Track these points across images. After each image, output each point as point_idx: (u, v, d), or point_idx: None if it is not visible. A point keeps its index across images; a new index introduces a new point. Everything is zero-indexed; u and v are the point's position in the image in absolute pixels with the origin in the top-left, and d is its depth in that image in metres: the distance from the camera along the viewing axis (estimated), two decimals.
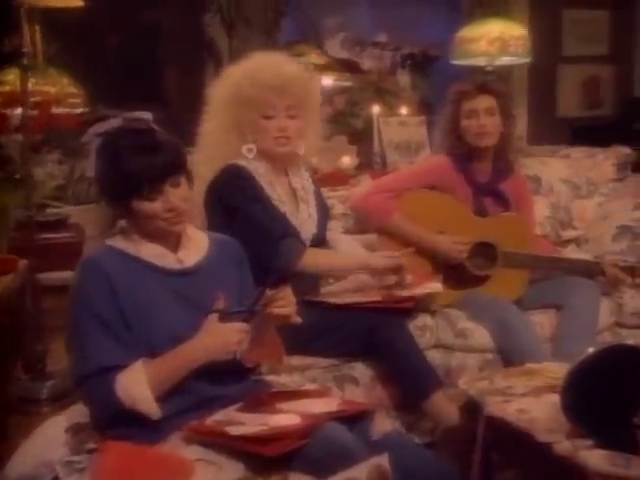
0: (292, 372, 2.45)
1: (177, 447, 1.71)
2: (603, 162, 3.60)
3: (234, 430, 1.67)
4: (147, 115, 1.90)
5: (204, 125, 2.61)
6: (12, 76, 3.27)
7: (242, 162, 2.56)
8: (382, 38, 5.66)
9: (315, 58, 4.17)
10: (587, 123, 5.69)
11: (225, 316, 1.78)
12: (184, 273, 1.87)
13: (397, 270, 2.59)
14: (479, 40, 4.37)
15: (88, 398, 1.79)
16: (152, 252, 1.85)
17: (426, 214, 2.91)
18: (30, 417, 2.68)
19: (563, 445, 1.69)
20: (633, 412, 1.68)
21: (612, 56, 5.93)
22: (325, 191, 2.90)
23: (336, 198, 3.12)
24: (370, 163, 3.94)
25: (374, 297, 2.53)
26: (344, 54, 5.58)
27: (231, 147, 2.58)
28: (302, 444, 1.65)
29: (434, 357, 2.69)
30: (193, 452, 1.69)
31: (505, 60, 4.49)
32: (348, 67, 5.04)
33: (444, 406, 2.40)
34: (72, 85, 3.49)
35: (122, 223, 1.89)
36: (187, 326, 1.78)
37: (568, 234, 3.45)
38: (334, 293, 2.63)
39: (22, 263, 2.81)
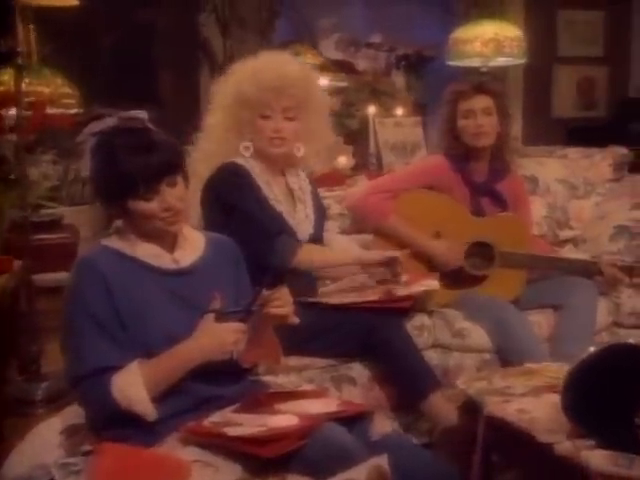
0: (289, 372, 2.44)
1: (174, 448, 1.70)
2: (600, 162, 3.59)
3: (232, 431, 1.65)
4: (143, 114, 1.87)
5: (206, 121, 2.61)
6: (6, 76, 3.26)
7: (239, 160, 2.55)
8: (376, 39, 5.68)
9: (310, 58, 4.16)
10: (582, 124, 5.70)
11: (221, 316, 1.77)
12: (180, 273, 1.85)
13: (391, 264, 2.57)
14: (474, 41, 4.38)
15: (83, 399, 1.77)
16: (148, 252, 1.83)
17: (423, 214, 2.90)
18: (25, 419, 2.66)
19: (564, 445, 1.68)
20: (635, 411, 1.66)
21: (607, 57, 5.95)
22: (321, 191, 2.89)
23: (332, 198, 3.11)
24: (366, 164, 3.94)
25: (371, 297, 2.51)
26: (338, 55, 5.58)
27: (230, 145, 2.57)
28: (300, 445, 1.63)
29: (432, 357, 2.68)
30: (190, 453, 1.67)
31: (500, 61, 4.50)
32: (343, 68, 5.04)
33: (442, 406, 2.38)
34: (66, 85, 3.49)
35: (118, 223, 1.87)
36: (183, 326, 1.77)
37: (565, 234, 3.44)
38: (331, 293, 2.62)
39: (17, 264, 2.80)
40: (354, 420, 1.80)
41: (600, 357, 1.75)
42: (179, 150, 1.87)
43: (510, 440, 1.86)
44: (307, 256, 2.49)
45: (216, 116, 2.59)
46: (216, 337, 1.75)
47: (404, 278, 2.61)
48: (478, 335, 2.77)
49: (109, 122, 1.86)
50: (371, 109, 3.96)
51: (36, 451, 1.79)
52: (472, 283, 2.89)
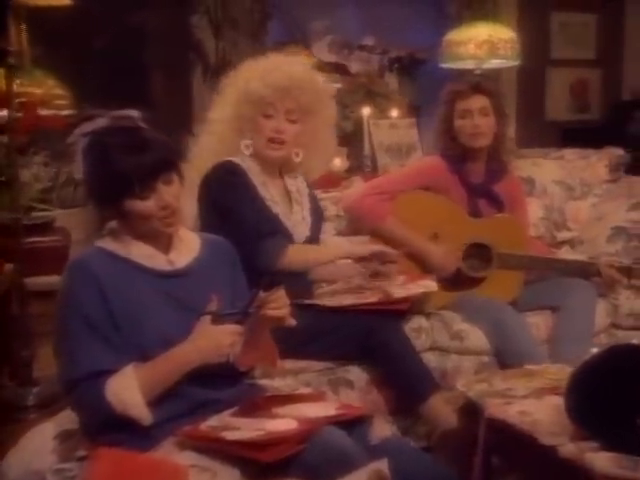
0: (286, 376, 2.41)
1: (170, 453, 1.67)
2: (596, 163, 3.58)
3: (230, 435, 1.64)
4: (134, 113, 1.85)
5: (208, 114, 2.60)
6: None
7: (237, 159, 2.53)
8: (369, 41, 5.65)
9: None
10: (576, 126, 5.70)
11: (218, 318, 1.75)
12: (175, 275, 1.83)
13: (380, 256, 2.56)
14: (467, 43, 4.37)
15: (77, 404, 1.75)
16: (142, 253, 1.81)
17: (420, 215, 2.89)
18: (17, 424, 2.63)
19: (568, 448, 1.66)
20: (639, 413, 1.64)
21: (600, 59, 5.95)
22: (317, 193, 2.86)
23: (328, 200, 3.09)
24: (360, 166, 3.92)
25: (369, 299, 2.49)
26: (331, 57, 5.55)
27: (230, 142, 2.56)
28: (300, 449, 1.62)
29: (429, 359, 2.66)
30: (187, 458, 1.65)
31: (494, 63, 4.48)
32: (336, 70, 5.02)
33: (441, 409, 2.36)
34: (58, 87, 3.46)
35: (112, 224, 1.84)
36: (179, 329, 1.74)
37: (562, 235, 3.43)
38: (328, 295, 2.59)
39: (8, 267, 2.77)
40: (353, 424, 1.77)
41: (603, 358, 1.73)
42: (173, 147, 1.85)
43: (512, 443, 1.85)
44: (296, 256, 2.47)
45: (220, 111, 2.58)
46: (212, 339, 1.73)
47: (401, 278, 2.59)
48: (476, 337, 2.75)
49: (100, 122, 1.85)
50: (365, 111, 3.94)
51: (29, 457, 1.77)
52: (470, 285, 2.88)
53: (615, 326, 3.01)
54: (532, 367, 2.18)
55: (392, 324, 2.46)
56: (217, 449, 1.63)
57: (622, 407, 1.66)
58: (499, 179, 3.02)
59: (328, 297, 2.57)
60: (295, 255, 2.46)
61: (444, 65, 4.52)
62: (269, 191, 2.54)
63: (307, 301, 2.46)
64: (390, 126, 3.94)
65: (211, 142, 2.59)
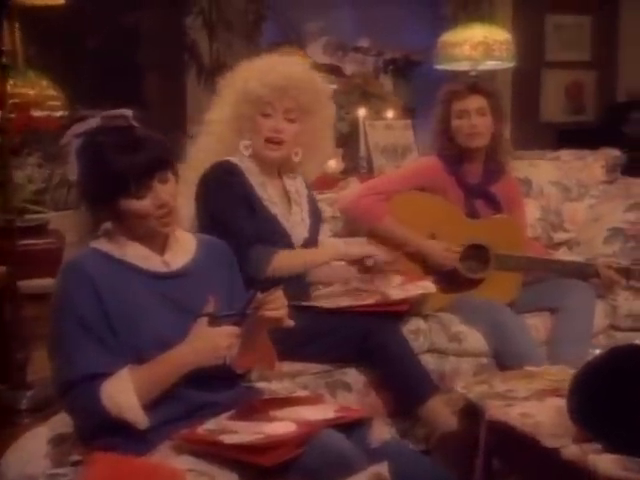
0: (282, 378, 2.39)
1: (167, 457, 1.65)
2: (593, 164, 3.58)
3: (228, 439, 1.61)
4: (127, 112, 1.83)
5: (207, 115, 2.58)
6: None
7: (235, 159, 2.52)
8: (364, 43, 5.64)
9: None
10: (571, 128, 5.70)
11: (215, 320, 1.73)
12: (171, 276, 1.81)
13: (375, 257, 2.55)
14: (463, 44, 4.35)
15: (72, 407, 1.73)
16: (138, 254, 1.79)
17: (418, 216, 2.87)
18: (10, 428, 2.61)
19: (571, 450, 1.64)
20: None
21: (595, 61, 5.95)
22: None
23: (324, 201, 3.06)
24: (356, 167, 3.90)
25: (366, 300, 2.47)
26: (326, 59, 5.54)
27: (229, 142, 2.54)
28: (299, 453, 1.60)
29: (428, 362, 2.64)
30: (184, 462, 1.63)
31: (489, 65, 4.47)
32: (331, 72, 5.00)
33: (440, 411, 2.35)
34: (51, 88, 3.45)
35: (107, 225, 1.82)
36: (175, 330, 1.73)
37: (560, 237, 3.42)
38: (326, 297, 2.57)
39: (1, 270, 2.75)
40: (352, 427, 1.76)
41: (606, 359, 1.72)
42: (168, 146, 1.83)
43: (513, 445, 1.83)
44: (284, 263, 2.43)
45: (218, 112, 2.56)
46: (209, 341, 1.71)
47: (399, 280, 2.58)
48: (475, 339, 2.74)
49: (93, 122, 1.84)
50: (361, 112, 3.92)
51: (22, 462, 1.74)
52: (468, 286, 2.86)
53: (614, 327, 3.00)
54: (532, 369, 2.17)
55: (390, 326, 2.44)
56: (215, 453, 1.61)
57: (625, 408, 1.64)
58: (496, 180, 3.01)
59: (325, 299, 2.55)
60: (282, 262, 2.43)
61: (439, 67, 4.51)
62: (267, 192, 2.52)
63: (304, 303, 2.44)
64: (386, 127, 3.93)
65: (210, 142, 2.58)
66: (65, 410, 1.76)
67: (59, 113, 3.33)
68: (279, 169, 2.60)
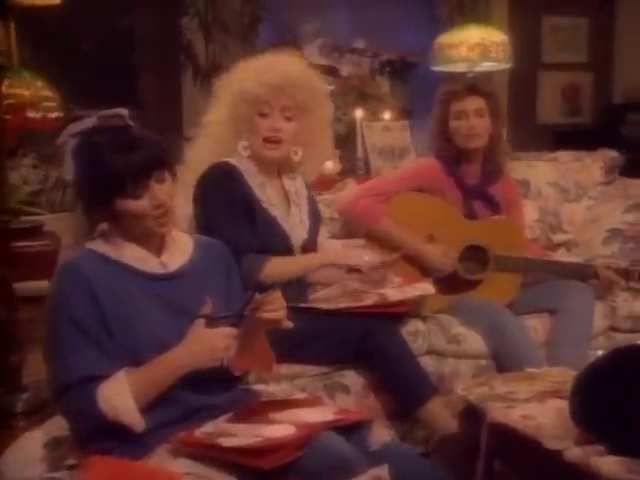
0: (280, 381, 2.38)
1: (164, 461, 1.64)
2: (591, 165, 3.57)
3: (226, 442, 1.60)
4: (123, 111, 1.81)
5: (204, 118, 2.56)
6: None
7: (233, 161, 2.50)
8: (360, 44, 5.63)
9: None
10: (567, 129, 5.69)
11: (212, 321, 1.71)
12: (168, 277, 1.80)
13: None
14: (459, 46, 4.34)
15: (68, 410, 1.71)
16: (134, 256, 1.77)
17: (416, 217, 2.86)
18: (5, 432, 2.57)
19: (573, 452, 1.63)
20: None
21: (591, 63, 5.95)
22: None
23: (321, 202, 3.03)
24: (353, 168, 3.88)
25: (365, 302, 2.45)
26: (322, 60, 5.52)
27: (228, 144, 2.52)
28: (298, 456, 1.58)
29: (426, 363, 2.62)
30: (181, 466, 1.61)
31: (486, 66, 4.46)
32: (327, 73, 4.99)
33: (440, 414, 2.33)
34: (47, 89, 3.43)
35: (103, 226, 1.81)
36: (172, 332, 1.71)
37: (558, 238, 3.41)
38: (324, 298, 2.55)
39: None
40: (352, 429, 1.74)
41: (608, 360, 1.71)
42: (164, 146, 1.81)
43: (514, 447, 1.82)
44: (276, 269, 2.41)
45: (216, 113, 2.54)
46: (207, 343, 1.69)
47: (398, 281, 2.57)
48: (474, 341, 2.73)
49: (89, 122, 1.83)
50: (358, 113, 3.90)
51: (18, 466, 1.73)
52: (466, 288, 2.85)
53: (613, 329, 2.99)
54: (533, 370, 2.15)
55: (389, 327, 2.43)
56: (213, 456, 1.60)
57: (627, 409, 1.62)
58: (495, 181, 3.00)
59: (323, 300, 2.53)
60: (274, 269, 2.41)
61: (436, 68, 4.49)
62: (266, 193, 2.50)
63: (302, 304, 2.42)
64: (383, 128, 3.91)
65: (207, 144, 2.56)
66: (61, 413, 1.75)
67: (54, 114, 3.31)
68: (278, 169, 2.58)
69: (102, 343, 1.67)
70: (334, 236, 3.00)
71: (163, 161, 1.76)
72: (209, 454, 1.60)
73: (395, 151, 3.86)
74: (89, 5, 4.06)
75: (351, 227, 2.99)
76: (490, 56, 4.34)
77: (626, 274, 2.85)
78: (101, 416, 1.63)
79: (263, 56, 2.56)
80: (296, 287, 2.49)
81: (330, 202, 3.09)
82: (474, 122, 2.88)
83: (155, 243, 1.80)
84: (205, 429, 1.68)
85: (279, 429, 1.65)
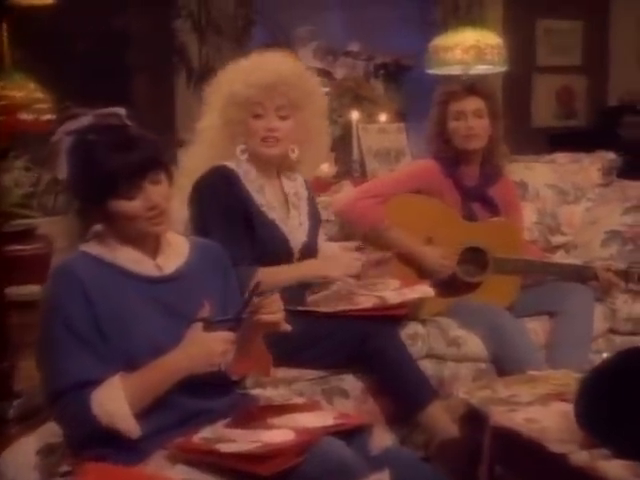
0: (278, 385, 2.35)
1: (161, 467, 1.61)
2: (589, 167, 3.56)
3: (224, 448, 1.57)
4: (120, 110, 1.79)
5: (198, 125, 2.53)
6: None
7: (232, 164, 2.47)
8: (354, 47, 5.61)
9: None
10: (562, 132, 5.69)
11: (210, 325, 1.68)
12: (163, 280, 1.77)
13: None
14: (454, 48, 4.32)
15: (61, 416, 1.68)
16: (129, 258, 1.74)
17: (414, 219, 2.84)
18: None
19: (579, 456, 1.60)
20: None
21: (586, 66, 5.95)
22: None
23: (318, 205, 3.00)
24: (349, 171, 3.86)
25: (364, 304, 2.43)
26: (316, 63, 5.50)
27: (224, 150, 2.49)
28: (298, 461, 1.56)
29: (426, 367, 2.59)
30: (179, 472, 1.58)
31: (481, 69, 4.43)
32: (321, 77, 4.97)
33: (440, 418, 2.30)
34: (39, 90, 3.39)
35: (97, 227, 1.78)
36: (168, 335, 1.68)
37: (557, 240, 3.40)
38: (321, 301, 2.53)
39: None
40: (352, 434, 1.72)
41: (614, 363, 1.68)
42: (160, 146, 1.79)
43: (518, 451, 1.79)
44: (267, 279, 2.37)
45: (208, 119, 2.51)
46: (204, 347, 1.67)
47: (397, 283, 2.55)
48: (474, 344, 2.71)
49: (85, 120, 1.80)
50: (354, 115, 3.88)
51: (10, 473, 1.71)
52: (465, 290, 2.83)
53: (613, 331, 2.98)
54: (535, 373, 2.14)
55: (388, 330, 2.41)
56: (211, 462, 1.57)
57: (633, 412, 1.59)
58: (494, 182, 2.99)
59: (322, 303, 2.51)
60: (264, 279, 2.37)
61: (430, 71, 4.48)
62: (265, 197, 2.47)
63: (300, 307, 2.40)
64: (379, 131, 3.89)
65: (202, 150, 2.53)
66: (54, 419, 1.72)
67: (47, 116, 3.28)
68: (277, 169, 2.55)
69: (96, 347, 1.64)
70: (331, 238, 2.97)
71: (159, 162, 1.73)
72: (207, 460, 1.57)
73: (391, 153, 3.84)
74: (81, 6, 4.04)
75: (349, 229, 2.97)
76: (485, 59, 4.33)
77: (625, 276, 2.85)
78: (95, 422, 1.60)
79: (250, 56, 2.51)
80: (293, 290, 2.45)
81: (326, 204, 3.06)
82: (473, 123, 2.87)
83: (150, 245, 1.77)
84: (203, 435, 1.65)
85: (278, 434, 1.62)
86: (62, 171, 1.79)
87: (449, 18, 5.48)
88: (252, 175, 2.47)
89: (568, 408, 1.71)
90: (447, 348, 2.71)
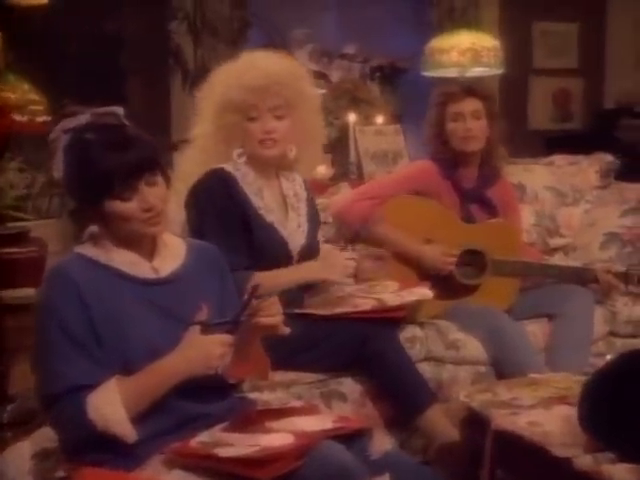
0: (276, 388, 2.32)
1: (158, 472, 1.59)
2: (587, 169, 3.55)
3: (223, 452, 1.55)
4: (118, 110, 1.77)
5: (192, 130, 2.51)
6: None
7: (229, 167, 2.44)
8: (350, 50, 5.61)
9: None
10: (558, 135, 5.68)
11: (207, 328, 1.66)
12: (160, 282, 1.75)
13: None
14: (450, 51, 4.30)
15: (57, 420, 1.66)
16: (125, 260, 1.72)
17: (412, 220, 2.82)
18: None
19: (584, 460, 1.58)
20: None
21: (582, 69, 5.94)
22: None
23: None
24: (346, 173, 3.84)
25: (363, 307, 2.41)
26: (312, 66, 5.50)
27: (220, 155, 2.46)
28: (297, 465, 1.54)
29: (424, 370, 2.57)
30: (176, 477, 1.56)
31: (477, 71, 4.42)
32: (317, 79, 4.96)
33: (439, 421, 2.28)
34: (33, 92, 3.37)
35: (92, 229, 1.76)
36: (165, 338, 1.66)
37: (556, 242, 3.39)
38: (320, 304, 2.50)
39: None
40: (352, 437, 1.70)
41: (617, 365, 1.66)
42: (157, 147, 1.77)
43: (520, 455, 1.77)
44: (265, 283, 2.36)
45: (203, 125, 2.48)
46: (202, 350, 1.64)
47: (395, 286, 2.53)
48: (473, 346, 2.68)
49: (82, 119, 1.78)
50: (351, 117, 3.86)
51: (5, 478, 1.69)
52: (464, 293, 2.81)
53: (613, 334, 2.96)
54: (536, 376, 2.12)
55: (387, 333, 2.38)
56: (209, 467, 1.55)
57: (638, 415, 1.57)
58: (492, 184, 2.97)
59: (320, 306, 2.48)
60: (262, 283, 2.35)
61: (426, 73, 4.46)
62: (264, 199, 2.44)
63: (299, 310, 2.38)
64: (376, 133, 3.88)
65: (198, 154, 2.50)
66: (49, 423, 1.70)
67: (41, 117, 3.26)
68: (276, 169, 2.53)
69: (92, 350, 1.62)
70: (328, 240, 2.95)
71: (156, 163, 1.71)
72: (205, 465, 1.55)
73: (388, 155, 3.83)
74: (76, 8, 4.02)
75: (346, 231, 2.94)
76: (481, 61, 4.32)
77: (625, 278, 2.83)
78: (91, 426, 1.58)
79: (239, 58, 2.48)
80: (292, 292, 2.43)
81: (324, 207, 3.03)
82: (471, 124, 2.85)
83: (147, 247, 1.75)
84: (200, 439, 1.63)
85: (277, 438, 1.60)
86: (58, 169, 1.77)
87: (445, 20, 5.46)
88: (250, 177, 2.44)
89: (571, 411, 1.71)
90: (446, 351, 2.68)
